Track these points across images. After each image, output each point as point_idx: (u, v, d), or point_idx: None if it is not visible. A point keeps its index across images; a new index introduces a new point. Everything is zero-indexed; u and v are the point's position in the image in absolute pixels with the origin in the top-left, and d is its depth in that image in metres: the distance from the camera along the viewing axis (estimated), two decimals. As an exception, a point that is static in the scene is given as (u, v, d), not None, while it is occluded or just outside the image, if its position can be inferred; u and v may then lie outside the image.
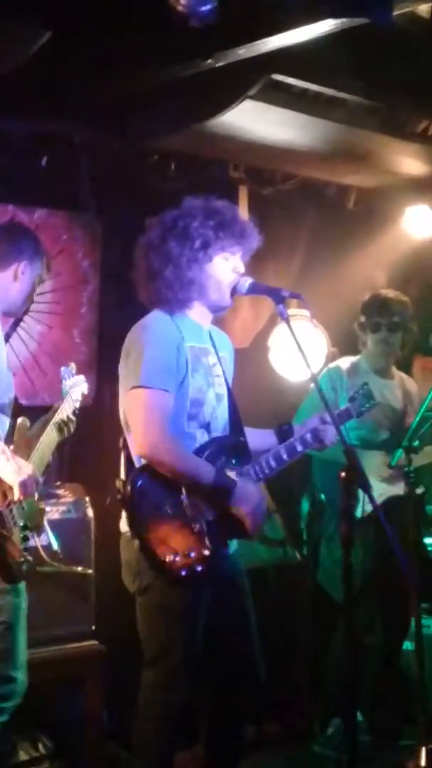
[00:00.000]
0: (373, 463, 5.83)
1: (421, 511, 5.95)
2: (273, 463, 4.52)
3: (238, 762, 4.63)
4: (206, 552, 4.21)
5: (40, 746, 5.45)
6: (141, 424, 4.22)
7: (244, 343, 6.71)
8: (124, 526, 4.31)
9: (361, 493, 5.64)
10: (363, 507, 5.62)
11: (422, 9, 4.72)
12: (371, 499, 4.50)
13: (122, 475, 4.34)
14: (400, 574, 5.40)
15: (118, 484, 4.31)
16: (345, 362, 6.00)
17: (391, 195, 7.10)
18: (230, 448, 4.43)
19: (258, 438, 4.67)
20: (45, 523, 5.32)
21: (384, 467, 5.80)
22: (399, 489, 5.72)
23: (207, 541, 4.23)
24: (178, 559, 4.16)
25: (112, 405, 4.47)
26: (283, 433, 4.71)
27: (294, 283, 6.43)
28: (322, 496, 6.15)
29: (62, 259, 5.89)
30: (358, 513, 5.63)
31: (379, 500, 5.67)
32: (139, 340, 4.32)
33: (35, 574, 5.12)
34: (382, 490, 5.80)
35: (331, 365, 6.08)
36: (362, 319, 6.08)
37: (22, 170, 5.82)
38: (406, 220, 7.12)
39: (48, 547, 5.32)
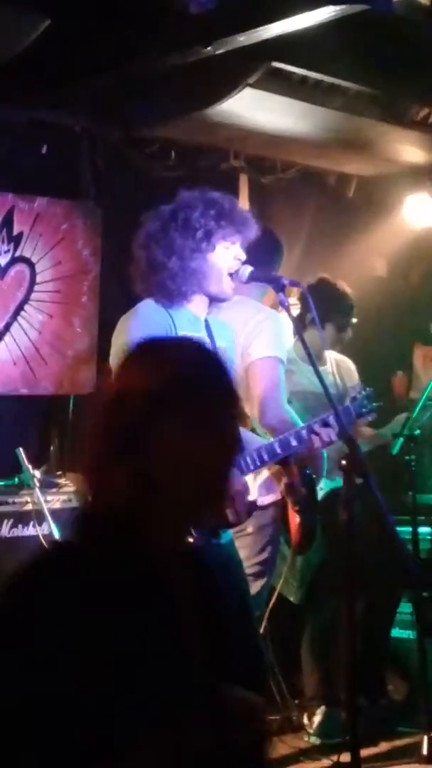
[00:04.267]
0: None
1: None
2: (265, 457, 4.50)
3: None
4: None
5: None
6: None
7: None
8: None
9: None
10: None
11: (421, -6, 4.70)
12: (371, 488, 4.46)
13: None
14: (379, 559, 5.39)
15: None
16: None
17: (391, 183, 7.10)
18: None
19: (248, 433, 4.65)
20: (46, 509, 5.35)
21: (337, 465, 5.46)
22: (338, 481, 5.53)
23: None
24: None
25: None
26: None
27: (295, 271, 6.38)
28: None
29: (62, 248, 5.90)
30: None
31: (320, 493, 5.53)
32: (125, 325, 4.35)
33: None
34: (323, 483, 5.52)
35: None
36: (311, 314, 5.45)
37: (22, 158, 5.82)
38: (406, 208, 7.10)
39: (49, 536, 5.34)
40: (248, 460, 4.45)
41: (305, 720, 5.86)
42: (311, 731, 5.77)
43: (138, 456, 1.86)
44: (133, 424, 1.86)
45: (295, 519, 5.21)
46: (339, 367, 5.87)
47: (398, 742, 5.61)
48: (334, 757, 5.27)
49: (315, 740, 5.72)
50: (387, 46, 5.33)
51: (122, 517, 1.86)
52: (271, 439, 4.55)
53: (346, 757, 4.31)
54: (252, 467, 4.48)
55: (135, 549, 1.86)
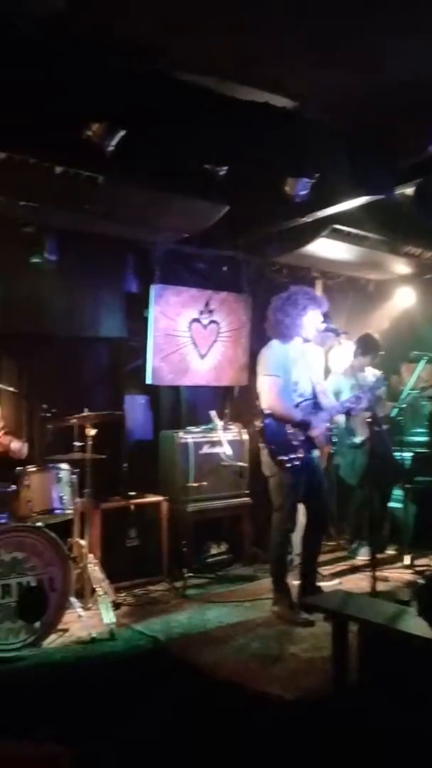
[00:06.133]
0: (359, 418, 5.22)
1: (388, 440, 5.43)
2: (333, 412, 4.36)
3: (318, 555, 4.49)
4: (300, 455, 4.10)
5: (221, 546, 5.38)
6: (266, 393, 4.15)
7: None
8: (261, 443, 4.20)
9: (358, 430, 5.33)
10: (357, 438, 5.37)
11: (409, 190, 4.47)
12: (383, 432, 4.28)
13: (259, 419, 4.25)
14: (385, 467, 5.13)
15: (257, 423, 4.25)
16: (341, 370, 5.48)
17: (391, 284, 6.83)
18: (311, 404, 4.29)
19: (326, 401, 4.46)
20: (225, 440, 5.25)
21: (364, 420, 4.81)
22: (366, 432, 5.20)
23: (300, 449, 4.12)
24: (285, 458, 4.06)
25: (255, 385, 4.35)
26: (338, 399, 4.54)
27: (344, 326, 6.14)
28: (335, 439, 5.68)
29: (233, 317, 5.82)
30: (357, 441, 5.37)
31: (364, 434, 5.17)
32: (265, 352, 4.25)
33: (224, 467, 5.16)
34: (363, 431, 5.16)
35: (337, 372, 5.61)
36: (359, 350, 5.52)
37: (214, 273, 5.74)
38: (398, 296, 6.82)
39: (226, 453, 5.26)
40: (326, 414, 4.30)
41: (348, 544, 5.69)
42: (349, 551, 5.61)
43: None
44: None
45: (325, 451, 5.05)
46: (372, 373, 5.65)
47: (390, 555, 5.42)
48: (360, 561, 5.21)
49: (351, 554, 5.54)
50: (391, 216, 5.12)
51: None
52: (336, 403, 4.39)
53: (363, 561, 4.42)
54: (328, 417, 4.34)
55: None
